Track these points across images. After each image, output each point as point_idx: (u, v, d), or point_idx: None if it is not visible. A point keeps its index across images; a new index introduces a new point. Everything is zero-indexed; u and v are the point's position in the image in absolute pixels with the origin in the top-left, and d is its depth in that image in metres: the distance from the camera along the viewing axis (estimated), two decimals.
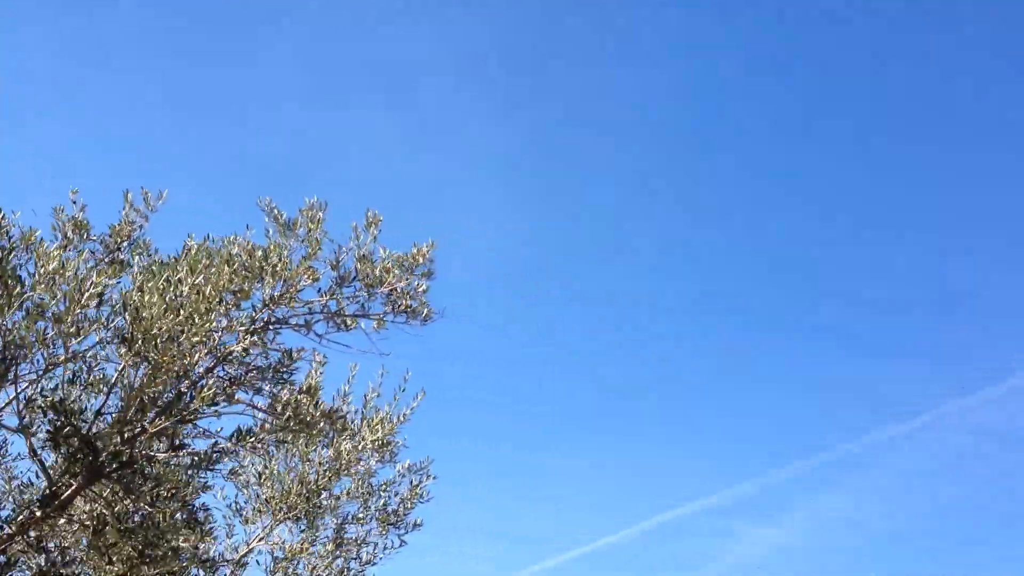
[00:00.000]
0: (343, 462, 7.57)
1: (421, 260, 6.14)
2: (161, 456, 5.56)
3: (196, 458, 5.63)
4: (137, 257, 5.97)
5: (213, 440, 5.67)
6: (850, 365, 34.42)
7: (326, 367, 7.79)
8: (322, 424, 5.75)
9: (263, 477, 7.13)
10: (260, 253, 5.71)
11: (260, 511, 7.08)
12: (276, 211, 5.91)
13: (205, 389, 5.54)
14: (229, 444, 5.58)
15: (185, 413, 5.41)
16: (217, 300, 5.57)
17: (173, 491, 5.52)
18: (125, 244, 6.12)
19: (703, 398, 34.67)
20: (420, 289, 6.09)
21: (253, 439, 5.60)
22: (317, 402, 5.78)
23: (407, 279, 6.09)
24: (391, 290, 6.06)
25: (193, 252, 5.68)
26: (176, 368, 5.31)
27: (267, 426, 5.77)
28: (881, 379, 33.75)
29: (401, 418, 7.73)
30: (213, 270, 5.48)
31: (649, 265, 35.07)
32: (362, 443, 7.49)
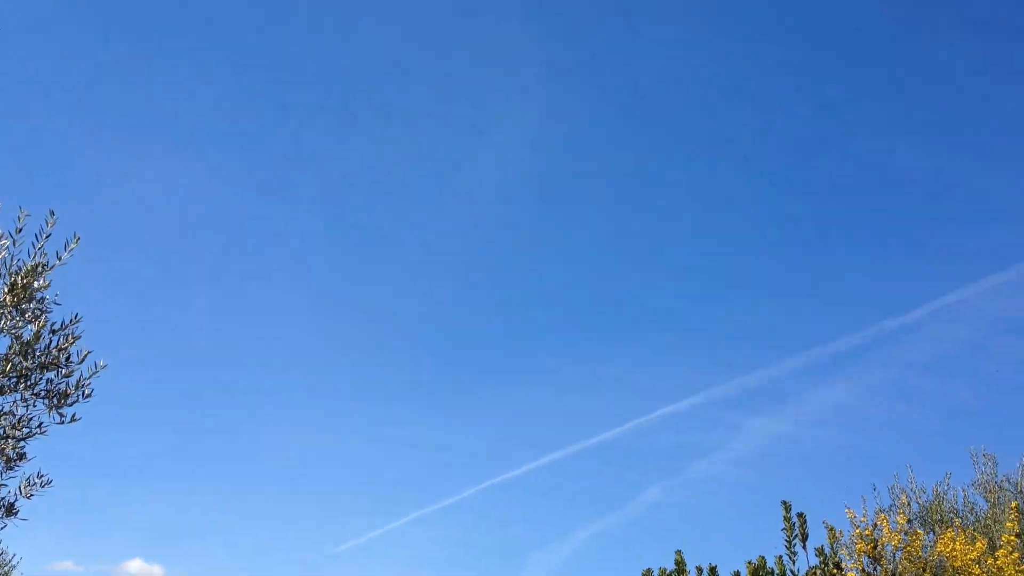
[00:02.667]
0: None
1: None
2: None
3: None
4: None
5: None
6: (849, 262, 33.03)
7: None
8: None
9: None
10: None
11: None
12: None
13: None
14: None
15: None
16: None
17: None
18: None
19: (705, 296, 33.59)
20: None
21: None
22: None
23: None
24: None
25: None
26: None
27: None
28: (879, 275, 32.34)
29: (41, 268, 6.28)
30: None
31: (656, 160, 33.52)
32: None
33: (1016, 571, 7.47)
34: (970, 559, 7.63)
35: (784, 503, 9.01)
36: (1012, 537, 7.84)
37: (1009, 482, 12.36)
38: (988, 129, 32.02)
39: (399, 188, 35.26)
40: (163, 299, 35.05)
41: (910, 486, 12.61)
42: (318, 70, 35.37)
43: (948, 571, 7.81)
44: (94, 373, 6.94)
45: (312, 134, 35.24)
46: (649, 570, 9.79)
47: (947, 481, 12.57)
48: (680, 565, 9.61)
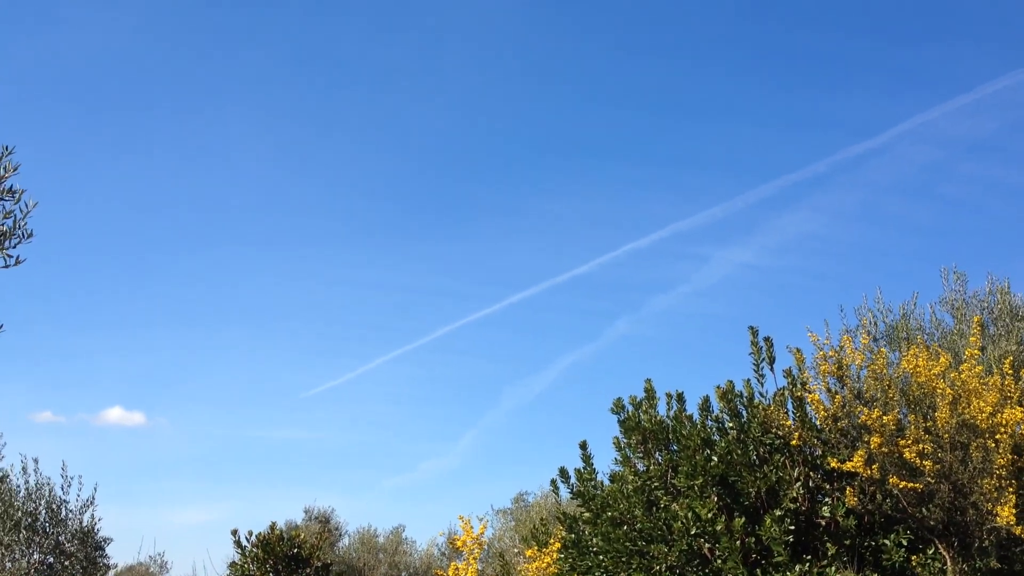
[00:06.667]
0: None
1: None
2: None
3: None
4: None
5: None
6: (812, 88, 32.21)
7: None
8: None
9: None
10: None
11: None
12: None
13: None
14: None
15: None
16: None
17: None
18: None
19: (668, 128, 32.91)
20: None
21: None
22: None
23: None
24: None
25: None
26: None
27: None
28: (843, 100, 31.58)
29: None
30: None
31: None
32: None
33: (979, 383, 7.54)
34: (934, 374, 7.68)
35: (751, 328, 9.00)
36: (975, 351, 7.87)
37: (977, 299, 12.45)
38: None
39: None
40: (120, 141, 33.99)
41: (877, 306, 12.68)
42: None
43: (913, 387, 7.88)
44: (27, 213, 6.58)
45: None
46: (620, 399, 9.88)
47: (914, 300, 12.65)
48: (649, 392, 9.70)
